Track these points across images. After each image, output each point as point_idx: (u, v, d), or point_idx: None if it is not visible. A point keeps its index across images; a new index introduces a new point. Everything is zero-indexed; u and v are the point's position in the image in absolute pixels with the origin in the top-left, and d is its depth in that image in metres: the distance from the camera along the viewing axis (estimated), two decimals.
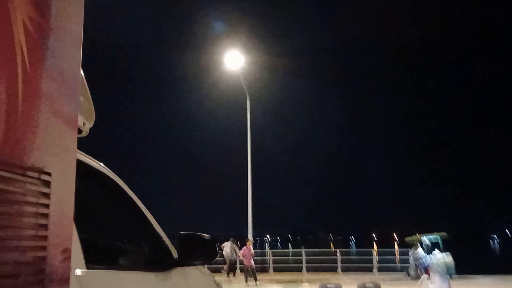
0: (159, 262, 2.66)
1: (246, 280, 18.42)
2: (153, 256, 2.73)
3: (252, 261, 18.46)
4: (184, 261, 2.72)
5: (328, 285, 9.19)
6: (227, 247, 20.85)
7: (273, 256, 24.00)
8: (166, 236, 2.76)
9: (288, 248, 56.04)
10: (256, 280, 17.99)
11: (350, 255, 24.85)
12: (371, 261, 21.49)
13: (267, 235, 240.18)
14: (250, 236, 21.62)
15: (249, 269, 18.33)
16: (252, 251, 18.77)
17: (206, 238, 2.82)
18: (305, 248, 24.03)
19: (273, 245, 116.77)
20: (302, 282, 19.12)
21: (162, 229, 2.74)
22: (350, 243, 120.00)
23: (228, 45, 20.78)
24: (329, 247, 55.65)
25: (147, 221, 2.70)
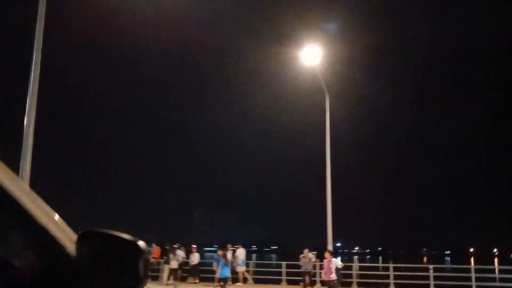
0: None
1: None
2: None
3: (332, 275, 16.72)
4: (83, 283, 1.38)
5: None
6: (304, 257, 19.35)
7: (359, 270, 22.28)
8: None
9: (378, 262, 53.17)
10: None
11: (444, 272, 22.23)
12: (469, 279, 18.88)
13: (356, 247, 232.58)
14: (329, 247, 19.92)
15: (329, 284, 16.63)
16: (338, 263, 16.96)
17: (127, 239, 1.45)
18: (395, 262, 21.95)
19: (361, 259, 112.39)
20: None
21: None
22: (445, 258, 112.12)
23: (305, 39, 19.28)
24: (422, 262, 51.96)
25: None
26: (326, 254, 17.38)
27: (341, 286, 18.36)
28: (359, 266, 25.23)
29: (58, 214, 1.53)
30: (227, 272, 19.24)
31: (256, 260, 35.82)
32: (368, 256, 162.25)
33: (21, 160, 8.84)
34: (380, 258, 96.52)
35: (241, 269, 21.21)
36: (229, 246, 22.14)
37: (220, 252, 20.99)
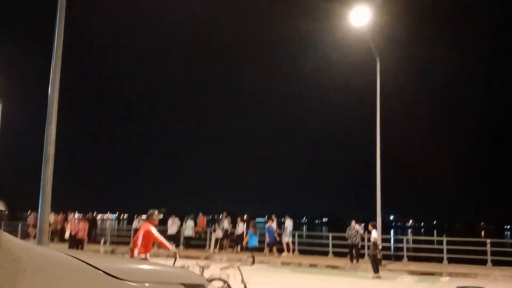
0: None
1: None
2: None
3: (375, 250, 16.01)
4: None
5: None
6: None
7: (412, 243, 21.53)
8: None
9: (432, 236, 51.40)
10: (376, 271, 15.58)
11: (503, 247, 20.89)
12: None
13: (410, 221, 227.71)
14: (378, 220, 19.15)
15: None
16: (373, 236, 16.16)
17: None
18: (451, 236, 20.84)
19: (415, 233, 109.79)
20: (441, 275, 16.20)
21: None
22: (505, 233, 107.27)
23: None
24: (480, 237, 49.80)
25: None
26: (370, 227, 16.71)
27: (382, 259, 17.66)
28: (411, 239, 24.27)
29: None
30: (255, 242, 19.17)
31: (306, 232, 35.44)
32: (423, 230, 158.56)
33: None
34: (435, 231, 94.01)
35: (287, 239, 20.91)
36: (274, 216, 21.84)
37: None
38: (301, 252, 21.57)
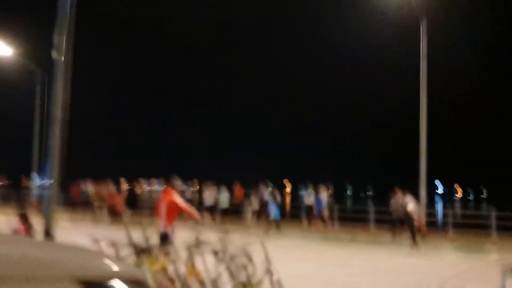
0: None
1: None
2: None
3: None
4: None
5: None
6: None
7: (460, 218, 20.44)
8: None
9: (482, 209, 49.41)
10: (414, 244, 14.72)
11: None
12: None
13: (459, 192, 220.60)
14: (422, 191, 18.13)
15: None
16: (409, 207, 15.18)
17: None
18: (502, 209, 19.58)
19: (464, 200, 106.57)
20: (489, 251, 15.14)
21: None
22: None
23: None
24: None
25: None
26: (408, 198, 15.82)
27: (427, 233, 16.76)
28: (458, 213, 23.13)
29: None
30: (277, 214, 18.64)
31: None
32: (471, 198, 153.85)
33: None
34: (485, 204, 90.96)
35: (324, 211, 20.28)
36: (311, 186, 21.19)
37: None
38: (343, 225, 20.86)
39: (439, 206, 60.85)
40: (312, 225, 20.20)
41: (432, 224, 20.03)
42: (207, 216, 21.92)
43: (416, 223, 14.92)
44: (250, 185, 22.54)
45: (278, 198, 21.24)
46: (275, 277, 6.98)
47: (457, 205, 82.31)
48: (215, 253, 7.48)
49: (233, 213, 22.54)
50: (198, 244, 7.25)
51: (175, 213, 8.37)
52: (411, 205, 15.06)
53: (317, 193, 20.54)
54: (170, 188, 8.70)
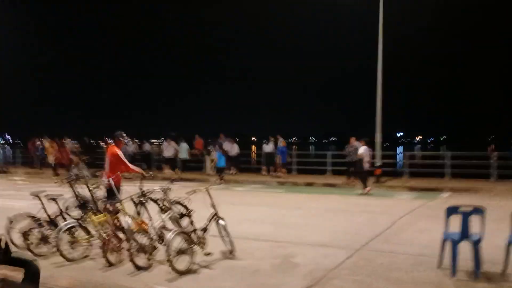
0: None
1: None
2: None
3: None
4: None
5: (461, 209, 5.90)
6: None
7: (410, 159, 20.99)
8: None
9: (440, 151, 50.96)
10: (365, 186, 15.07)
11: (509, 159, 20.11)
12: None
13: (419, 137, 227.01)
14: (378, 136, 18.40)
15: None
16: (360, 152, 15.36)
17: None
18: (457, 151, 20.01)
19: (423, 149, 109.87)
20: (442, 190, 15.60)
21: None
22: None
23: None
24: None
25: None
26: (361, 143, 16.03)
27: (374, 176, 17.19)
28: (411, 155, 23.71)
29: None
30: (223, 162, 18.72)
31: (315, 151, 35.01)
32: (432, 145, 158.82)
33: None
34: (444, 147, 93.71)
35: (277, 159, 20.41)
36: (270, 138, 21.13)
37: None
38: (300, 172, 21.13)
39: (399, 150, 62.58)
40: (272, 173, 20.38)
41: (390, 166, 20.45)
42: (166, 167, 21.79)
43: (365, 165, 15.16)
44: (211, 137, 22.38)
45: (235, 148, 21.18)
46: (222, 222, 6.92)
47: (416, 148, 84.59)
48: (157, 203, 7.41)
49: (194, 164, 22.48)
50: (142, 196, 7.13)
51: (118, 167, 8.19)
52: (361, 149, 15.27)
53: (276, 143, 20.59)
54: (115, 142, 8.49)
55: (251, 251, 7.12)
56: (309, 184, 17.67)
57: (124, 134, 8.63)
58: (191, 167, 22.09)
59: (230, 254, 6.87)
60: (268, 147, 20.78)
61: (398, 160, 28.50)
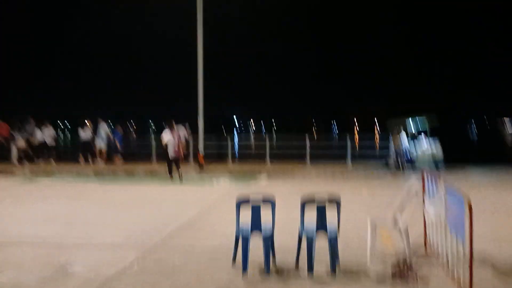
0: None
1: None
2: None
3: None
4: None
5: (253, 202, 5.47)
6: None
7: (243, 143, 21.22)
8: None
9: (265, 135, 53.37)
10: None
11: (327, 141, 21.66)
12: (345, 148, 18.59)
13: (251, 120, 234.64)
14: (201, 120, 18.10)
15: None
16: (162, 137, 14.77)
17: None
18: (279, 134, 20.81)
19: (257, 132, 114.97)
20: (260, 172, 15.91)
21: None
22: (332, 128, 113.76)
23: None
24: (312, 133, 53.05)
25: None
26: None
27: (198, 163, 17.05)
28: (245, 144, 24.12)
29: None
30: None
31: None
32: (263, 129, 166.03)
33: None
34: (273, 131, 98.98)
35: (102, 145, 18.97)
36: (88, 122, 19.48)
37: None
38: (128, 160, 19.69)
39: (235, 138, 64.02)
40: (89, 162, 18.76)
41: (215, 155, 20.40)
42: None
43: (177, 154, 14.47)
44: (17, 122, 19.68)
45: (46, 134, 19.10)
46: None
47: (248, 136, 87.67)
48: None
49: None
50: None
51: None
52: (166, 137, 14.51)
53: (95, 128, 19.11)
54: None
55: (19, 261, 5.88)
56: (130, 173, 16.48)
57: None
58: None
59: None
60: (85, 134, 19.10)
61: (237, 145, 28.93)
